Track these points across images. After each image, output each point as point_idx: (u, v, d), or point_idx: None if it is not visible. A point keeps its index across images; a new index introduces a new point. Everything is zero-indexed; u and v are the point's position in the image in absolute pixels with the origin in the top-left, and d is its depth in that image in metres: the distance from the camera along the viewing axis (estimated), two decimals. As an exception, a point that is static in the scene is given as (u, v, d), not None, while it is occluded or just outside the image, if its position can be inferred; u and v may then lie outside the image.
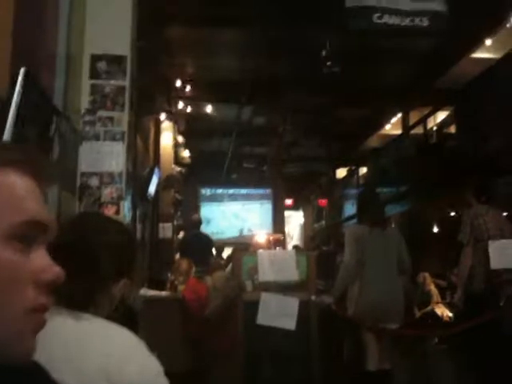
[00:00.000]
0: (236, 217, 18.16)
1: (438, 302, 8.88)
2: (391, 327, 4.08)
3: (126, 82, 3.96)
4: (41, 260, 0.68)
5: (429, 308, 8.78)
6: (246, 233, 17.05)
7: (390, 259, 4.13)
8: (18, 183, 0.68)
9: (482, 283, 4.36)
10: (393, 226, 8.34)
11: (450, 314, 8.29)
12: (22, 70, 2.46)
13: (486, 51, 9.21)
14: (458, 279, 4.96)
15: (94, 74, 3.93)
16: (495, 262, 4.18)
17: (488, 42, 8.74)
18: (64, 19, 3.73)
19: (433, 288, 9.03)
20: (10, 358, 0.66)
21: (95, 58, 3.94)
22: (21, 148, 0.74)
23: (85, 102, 3.90)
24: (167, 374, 1.18)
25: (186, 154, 11.18)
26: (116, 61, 3.95)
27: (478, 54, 9.36)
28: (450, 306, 8.29)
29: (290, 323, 3.55)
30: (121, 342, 1.17)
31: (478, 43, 8.93)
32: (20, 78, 2.45)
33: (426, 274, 9.16)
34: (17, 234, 0.65)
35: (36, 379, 0.80)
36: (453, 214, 10.62)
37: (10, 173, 0.68)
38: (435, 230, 12.36)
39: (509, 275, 4.32)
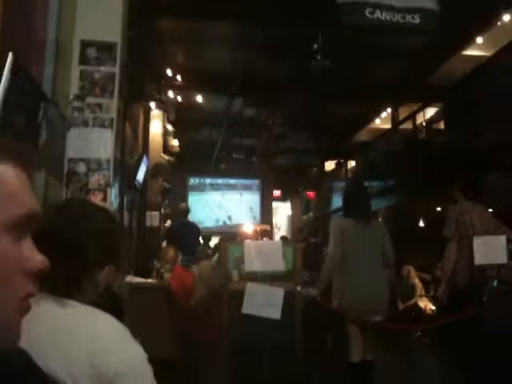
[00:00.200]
0: (224, 207, 18.16)
1: (421, 296, 8.98)
2: (375, 320, 4.11)
3: (116, 69, 3.94)
4: (30, 250, 0.70)
5: (412, 301, 8.87)
6: (233, 223, 17.07)
7: (375, 252, 4.16)
8: (14, 176, 0.70)
9: (465, 278, 4.42)
10: (379, 219, 8.40)
11: (433, 308, 8.39)
12: (10, 56, 2.44)
13: (477, 49, 9.25)
14: (442, 274, 5.01)
15: (84, 60, 3.90)
16: (479, 258, 4.24)
17: (479, 39, 8.77)
18: (54, 5, 3.70)
19: (417, 281, 9.12)
20: (2, 342, 0.68)
21: (85, 44, 3.91)
22: (11, 139, 0.76)
23: (74, 88, 3.88)
24: (152, 361, 1.19)
25: (175, 142, 11.13)
26: (106, 47, 3.92)
27: (469, 52, 9.39)
28: (433, 300, 8.39)
29: (275, 313, 3.58)
30: (105, 328, 1.18)
31: (468, 41, 8.96)
32: (8, 63, 2.43)
33: (411, 268, 9.25)
34: (15, 226, 0.67)
35: (21, 365, 0.80)
36: (439, 209, 10.72)
37: (4, 165, 0.69)
38: (421, 224, 12.46)
39: (492, 271, 4.38)
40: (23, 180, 0.71)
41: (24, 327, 0.71)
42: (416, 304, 8.82)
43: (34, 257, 0.70)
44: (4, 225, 0.66)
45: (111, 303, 1.47)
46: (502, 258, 4.23)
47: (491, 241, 4.29)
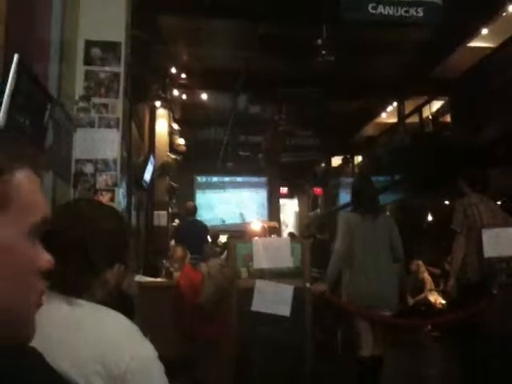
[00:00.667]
0: (231, 205, 18.18)
1: (431, 290, 8.96)
2: (384, 314, 4.10)
3: (121, 69, 3.94)
4: (41, 250, 0.74)
5: (422, 295, 8.86)
6: (241, 220, 17.09)
7: (383, 247, 4.15)
8: (32, 182, 0.73)
9: (475, 271, 4.39)
10: (387, 214, 8.37)
11: (443, 302, 8.37)
12: (16, 57, 2.45)
13: (482, 40, 9.20)
14: (450, 267, 4.99)
15: (89, 60, 3.91)
16: (488, 251, 4.21)
17: (484, 31, 8.72)
18: (58, 5, 3.70)
19: (426, 276, 9.10)
20: (20, 338, 0.73)
21: (89, 44, 3.91)
22: (25, 143, 0.81)
23: (79, 88, 3.88)
24: (162, 359, 1.19)
25: (181, 141, 11.14)
26: (111, 47, 3.92)
27: (474, 44, 9.34)
28: (443, 294, 8.37)
29: (284, 310, 3.58)
30: (115, 327, 1.18)
31: (473, 33, 8.91)
32: (13, 65, 2.43)
33: (420, 262, 9.22)
34: (34, 231, 0.72)
35: (32, 362, 0.81)
36: (447, 202, 10.67)
37: (27, 172, 0.73)
38: (429, 218, 12.42)
39: (502, 264, 4.35)
40: (39, 185, 0.75)
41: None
42: (426, 298, 8.80)
43: (43, 256, 0.74)
44: (27, 231, 0.70)
45: (121, 302, 1.47)
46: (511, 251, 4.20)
47: (500, 233, 4.27)
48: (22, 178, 0.71)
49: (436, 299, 8.74)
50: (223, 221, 17.55)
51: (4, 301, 0.68)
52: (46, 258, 0.74)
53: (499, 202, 5.22)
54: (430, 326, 7.67)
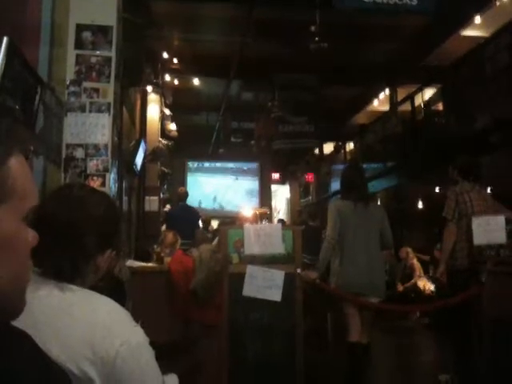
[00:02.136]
0: (222, 190, 18.17)
1: (420, 276, 9.03)
2: (373, 301, 4.13)
3: (112, 53, 3.90)
4: (29, 230, 0.77)
5: (411, 282, 8.93)
6: (231, 206, 17.10)
7: (373, 234, 4.17)
8: (25, 168, 0.76)
9: (464, 259, 4.42)
10: (378, 202, 8.40)
11: (432, 288, 8.44)
12: (6, 40, 2.42)
13: (475, 29, 9.19)
14: (441, 254, 5.02)
15: (80, 44, 3.87)
16: (478, 238, 4.24)
17: (477, 20, 8.71)
18: (49, -12, 3.65)
19: (415, 262, 9.16)
20: (14, 314, 0.77)
21: (81, 28, 3.87)
22: (16, 129, 0.84)
23: (70, 72, 3.85)
24: (153, 344, 1.19)
25: (172, 127, 11.08)
26: (102, 31, 3.88)
27: (467, 32, 9.34)
28: (432, 280, 8.44)
29: (275, 295, 3.60)
30: (106, 312, 1.18)
31: (466, 21, 8.91)
32: (3, 49, 2.40)
33: (409, 249, 9.28)
34: (28, 214, 0.76)
35: (22, 346, 0.81)
36: (438, 190, 10.72)
37: (19, 158, 0.75)
38: (420, 205, 12.49)
39: (491, 251, 4.39)
40: (30, 171, 0.78)
41: (25, 312, 0.76)
42: (415, 285, 8.87)
43: (31, 236, 0.78)
44: (23, 215, 0.74)
45: (113, 287, 1.48)
46: (501, 238, 4.23)
47: (490, 221, 4.30)
48: (16, 165, 0.73)
49: (425, 286, 8.81)
50: (215, 206, 17.55)
51: (10, 283, 0.72)
52: (32, 235, 0.78)
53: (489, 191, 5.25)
54: (418, 312, 7.74)
